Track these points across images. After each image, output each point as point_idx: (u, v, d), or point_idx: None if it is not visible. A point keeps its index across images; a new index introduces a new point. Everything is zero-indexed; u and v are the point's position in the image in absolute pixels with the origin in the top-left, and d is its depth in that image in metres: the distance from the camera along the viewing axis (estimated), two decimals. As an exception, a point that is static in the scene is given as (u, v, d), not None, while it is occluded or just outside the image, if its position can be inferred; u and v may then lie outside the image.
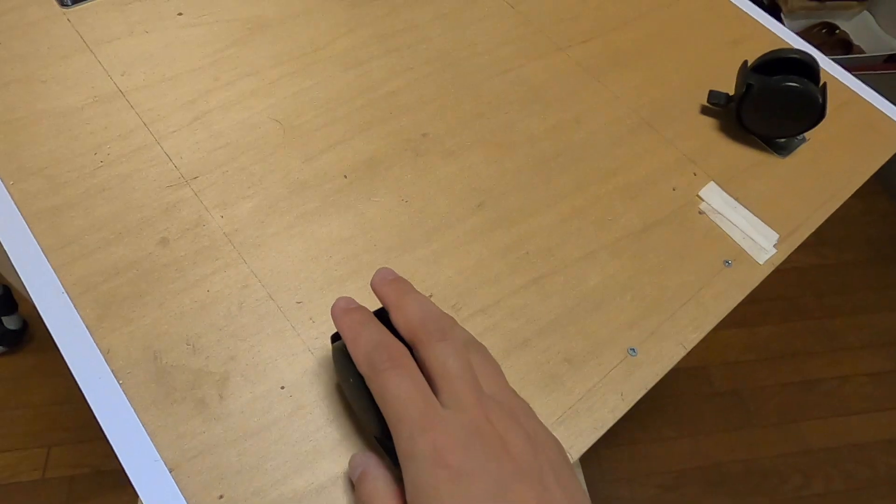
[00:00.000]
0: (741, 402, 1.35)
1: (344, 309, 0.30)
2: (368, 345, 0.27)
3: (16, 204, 0.39)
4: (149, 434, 0.33)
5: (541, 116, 0.50)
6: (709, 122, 0.52)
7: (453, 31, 0.54)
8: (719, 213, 0.46)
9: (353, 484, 0.30)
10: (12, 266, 0.38)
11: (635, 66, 0.54)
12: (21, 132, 0.43)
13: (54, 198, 0.40)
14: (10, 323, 1.21)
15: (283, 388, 0.35)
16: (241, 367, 0.35)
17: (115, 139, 0.43)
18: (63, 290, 0.37)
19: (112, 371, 0.34)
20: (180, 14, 0.51)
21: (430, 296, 0.40)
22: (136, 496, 0.32)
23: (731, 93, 0.50)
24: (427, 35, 0.53)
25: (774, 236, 0.45)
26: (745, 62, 0.49)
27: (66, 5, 0.49)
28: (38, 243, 0.38)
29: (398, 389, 0.25)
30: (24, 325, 1.25)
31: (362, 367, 0.27)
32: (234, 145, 0.44)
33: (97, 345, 0.35)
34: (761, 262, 0.44)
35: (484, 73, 0.51)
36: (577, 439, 0.36)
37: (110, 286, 0.37)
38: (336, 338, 0.33)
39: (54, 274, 0.37)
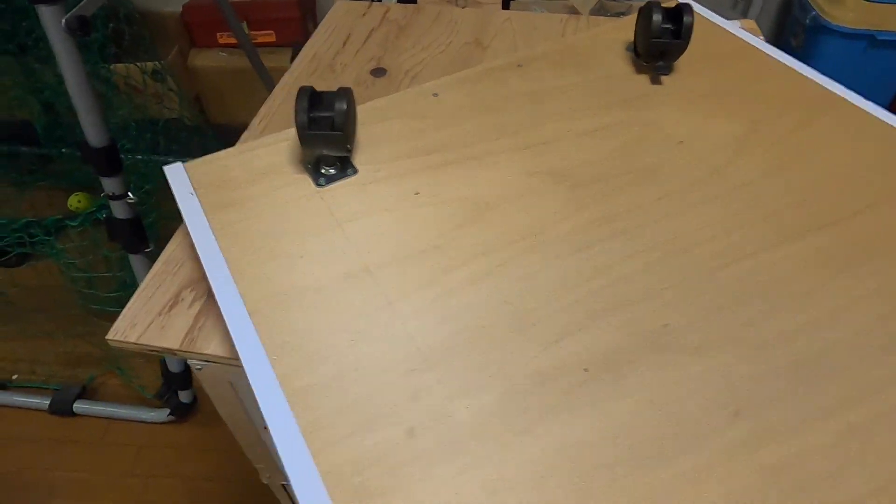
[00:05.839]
0: None
1: None
2: None
3: (279, 381, 0.41)
4: None
5: (789, 312, 0.46)
6: None
7: (678, 213, 0.53)
8: None
9: None
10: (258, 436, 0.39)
11: (890, 255, 0.49)
12: (283, 307, 0.46)
13: (311, 376, 0.42)
14: (184, 397, 1.32)
15: None
16: None
17: (363, 317, 0.45)
18: (320, 479, 0.37)
19: (367, 582, 0.33)
20: (417, 193, 0.55)
21: (699, 527, 0.35)
22: None
23: None
24: (652, 217, 0.53)
25: None
26: None
27: (321, 185, 0.55)
28: (299, 425, 0.39)
29: None
30: (194, 399, 1.35)
31: None
32: (472, 329, 0.45)
33: (352, 547, 0.34)
34: None
35: (717, 261, 0.49)
36: None
37: (361, 479, 0.37)
38: None
39: (312, 459, 0.38)
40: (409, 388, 0.41)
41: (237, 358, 0.45)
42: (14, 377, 1.40)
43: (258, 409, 0.59)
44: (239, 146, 0.59)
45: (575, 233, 0.51)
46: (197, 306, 0.52)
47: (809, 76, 0.66)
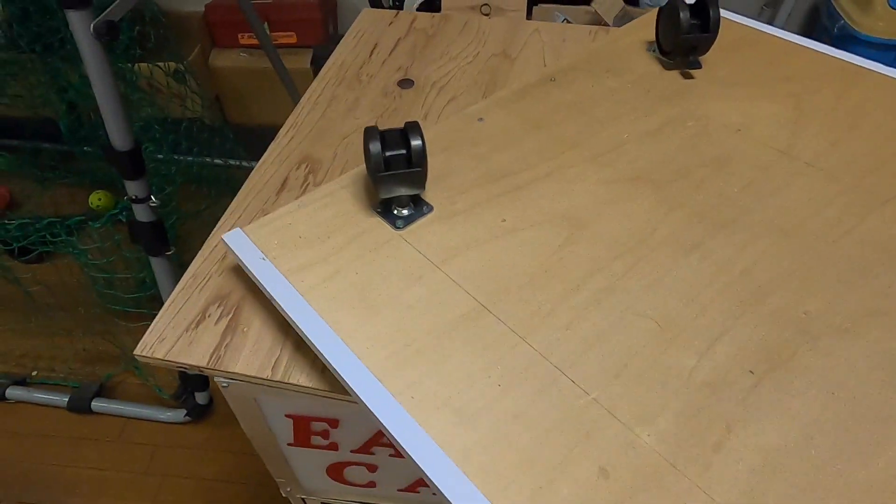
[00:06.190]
0: None
1: None
2: None
3: (439, 445, 0.37)
4: None
5: (915, 276, 0.46)
6: None
7: (767, 199, 0.53)
8: None
9: None
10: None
11: (978, 207, 0.50)
12: (411, 364, 0.42)
13: (472, 433, 0.38)
14: (200, 398, 1.32)
15: None
16: None
17: (501, 359, 0.42)
18: (527, 546, 0.33)
19: None
20: (504, 220, 0.52)
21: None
22: None
23: None
24: (745, 207, 0.52)
25: None
26: None
27: (399, 228, 0.52)
28: (480, 490, 0.35)
29: None
30: (211, 400, 1.33)
31: None
32: (619, 350, 0.42)
33: None
34: None
35: (824, 238, 0.49)
36: None
37: (573, 535, 0.33)
38: None
39: (510, 525, 0.34)
40: (581, 426, 0.38)
41: (262, 377, 0.47)
42: (34, 373, 1.40)
43: (282, 425, 0.58)
44: (296, 201, 0.54)
45: (678, 234, 0.50)
46: (223, 322, 0.51)
47: (826, 52, 0.68)
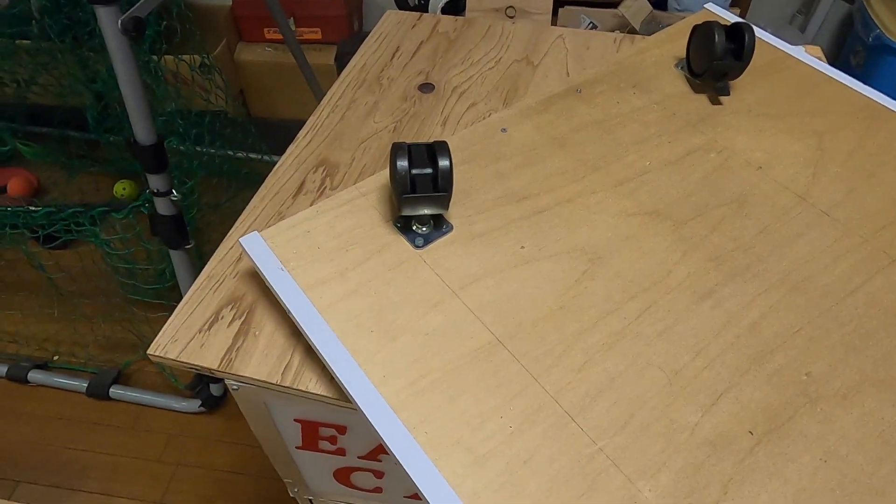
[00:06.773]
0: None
1: None
2: None
3: (450, 485, 0.39)
4: None
5: (913, 345, 0.47)
6: None
7: (782, 248, 0.53)
8: None
9: None
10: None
11: (981, 276, 0.52)
12: (426, 396, 0.43)
13: (483, 474, 0.39)
14: (215, 390, 1.36)
15: None
16: None
17: (514, 398, 0.43)
18: None
19: None
20: (523, 247, 0.52)
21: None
22: None
23: None
24: (758, 255, 0.53)
25: None
26: None
27: (419, 246, 0.52)
28: (490, 535, 0.37)
29: None
30: (225, 392, 1.38)
31: None
32: (628, 400, 0.43)
33: None
34: None
35: (833, 296, 0.50)
36: None
37: (574, 587, 0.35)
38: None
39: (515, 573, 0.36)
40: (586, 476, 0.40)
41: (272, 381, 0.48)
42: (55, 358, 1.45)
43: (291, 428, 0.59)
44: (314, 207, 0.54)
45: (692, 279, 0.51)
46: (236, 325, 0.52)
47: (852, 86, 0.68)
